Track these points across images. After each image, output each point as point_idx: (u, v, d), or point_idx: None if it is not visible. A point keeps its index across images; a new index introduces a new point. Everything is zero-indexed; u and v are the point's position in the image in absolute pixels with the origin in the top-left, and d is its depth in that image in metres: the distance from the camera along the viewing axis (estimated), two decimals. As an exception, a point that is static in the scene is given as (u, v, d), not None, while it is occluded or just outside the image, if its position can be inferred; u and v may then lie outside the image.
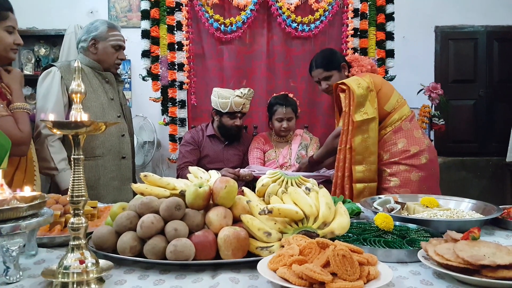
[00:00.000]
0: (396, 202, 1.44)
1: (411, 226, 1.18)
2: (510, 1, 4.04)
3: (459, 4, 3.99)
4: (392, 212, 1.32)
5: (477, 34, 4.03)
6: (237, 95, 2.44)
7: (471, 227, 0.96)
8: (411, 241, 1.05)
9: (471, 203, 1.43)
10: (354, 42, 2.82)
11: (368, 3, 2.82)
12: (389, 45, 2.84)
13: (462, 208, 1.41)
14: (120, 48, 2.13)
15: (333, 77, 2.19)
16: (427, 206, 1.38)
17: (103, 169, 2.04)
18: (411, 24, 3.73)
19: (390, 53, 2.84)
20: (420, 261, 0.90)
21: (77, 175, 0.82)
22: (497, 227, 1.28)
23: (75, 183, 0.81)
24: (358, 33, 2.82)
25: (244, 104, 2.45)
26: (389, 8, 2.82)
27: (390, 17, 2.82)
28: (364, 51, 2.83)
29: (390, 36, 2.83)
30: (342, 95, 2.03)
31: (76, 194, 0.80)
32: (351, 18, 2.81)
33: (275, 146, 2.58)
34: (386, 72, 2.85)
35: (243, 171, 2.32)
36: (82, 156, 0.83)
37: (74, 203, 0.81)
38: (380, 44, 2.83)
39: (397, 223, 1.20)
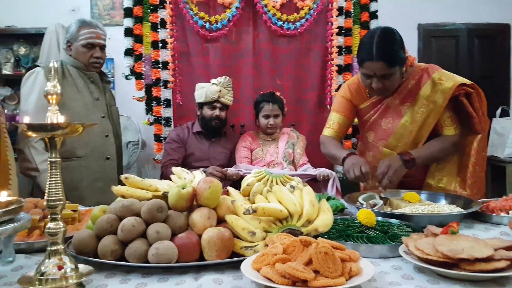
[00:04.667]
0: (380, 198, 1.45)
1: (393, 221, 1.19)
2: (489, -2, 4.12)
3: (441, 2, 4.05)
4: (375, 208, 1.33)
5: (458, 32, 4.10)
6: (213, 83, 2.46)
7: (451, 221, 0.98)
8: (393, 236, 1.06)
9: (451, 198, 1.46)
10: (339, 40, 2.83)
11: (352, 1, 2.82)
12: (373, 42, 2.86)
13: (443, 202, 1.44)
14: (92, 46, 2.04)
15: (394, 75, 1.60)
16: (409, 201, 1.40)
17: (86, 170, 2.01)
18: (394, 22, 3.69)
19: (374, 51, 2.86)
20: (401, 256, 0.91)
21: (54, 179, 0.80)
22: (477, 221, 1.31)
23: (52, 187, 0.79)
24: (343, 31, 2.83)
25: (220, 91, 2.44)
26: (373, 6, 2.83)
27: (374, 15, 2.83)
28: (348, 49, 2.85)
29: (373, 33, 2.85)
30: (464, 100, 1.67)
31: (54, 198, 0.79)
32: (336, 16, 2.81)
33: (262, 145, 2.58)
34: (370, 69, 2.87)
35: (230, 171, 2.31)
36: (59, 159, 0.81)
37: (51, 208, 0.79)
38: (364, 42, 2.85)
39: (380, 218, 1.21)
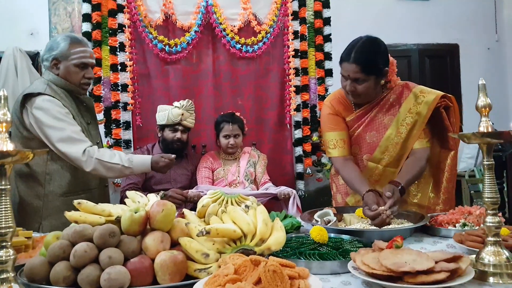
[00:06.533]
0: (334, 214, 1.51)
1: (345, 237, 1.24)
2: (438, 20, 4.42)
3: (393, 23, 4.29)
4: (329, 224, 1.38)
5: (410, 52, 4.37)
6: (175, 106, 2.48)
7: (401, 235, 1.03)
8: (344, 252, 1.10)
9: (404, 213, 1.52)
10: (295, 62, 2.95)
11: (307, 25, 2.97)
12: (327, 64, 3.00)
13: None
14: (85, 66, 1.88)
15: (368, 82, 1.64)
16: (361, 217, 1.46)
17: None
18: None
19: (329, 72, 3.00)
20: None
21: (4, 206, 0.79)
22: (426, 234, 1.37)
23: (2, 214, 0.78)
24: (299, 54, 2.96)
25: (183, 115, 2.46)
26: (326, 30, 2.99)
27: (327, 39, 2.99)
28: (305, 71, 2.97)
29: (328, 56, 3.00)
30: (443, 112, 1.73)
31: (4, 225, 0.78)
32: (292, 39, 2.94)
33: (224, 164, 2.61)
34: (326, 90, 3.00)
35: (191, 192, 2.32)
36: (8, 187, 0.80)
37: (1, 235, 0.78)
38: (319, 64, 2.98)
39: (332, 235, 1.25)
